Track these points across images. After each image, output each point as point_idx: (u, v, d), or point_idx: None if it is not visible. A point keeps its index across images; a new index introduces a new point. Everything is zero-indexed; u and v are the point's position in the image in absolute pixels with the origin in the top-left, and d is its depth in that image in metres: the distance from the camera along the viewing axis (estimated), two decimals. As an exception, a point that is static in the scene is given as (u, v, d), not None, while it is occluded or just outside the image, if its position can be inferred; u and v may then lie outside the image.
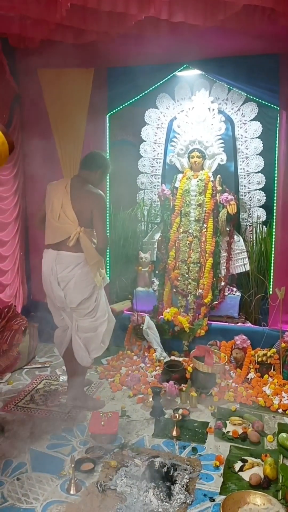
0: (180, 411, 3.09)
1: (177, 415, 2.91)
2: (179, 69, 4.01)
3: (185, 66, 3.98)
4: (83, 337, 3.06)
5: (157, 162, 4.53)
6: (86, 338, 3.07)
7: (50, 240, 2.97)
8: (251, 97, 4.04)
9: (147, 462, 2.43)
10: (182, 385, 3.41)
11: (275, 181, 3.97)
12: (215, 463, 2.59)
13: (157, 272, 4.39)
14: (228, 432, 2.90)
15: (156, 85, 4.10)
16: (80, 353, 3.07)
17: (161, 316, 4.13)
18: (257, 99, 4.03)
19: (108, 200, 4.41)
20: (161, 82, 4.07)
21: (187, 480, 2.43)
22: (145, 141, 4.50)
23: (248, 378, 3.53)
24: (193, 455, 2.69)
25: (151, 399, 3.20)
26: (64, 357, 3.27)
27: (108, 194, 4.41)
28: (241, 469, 2.54)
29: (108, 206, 4.42)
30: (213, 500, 2.31)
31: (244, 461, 2.60)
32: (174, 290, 4.19)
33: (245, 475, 2.49)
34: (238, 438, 2.84)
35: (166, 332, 4.06)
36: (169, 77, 4.06)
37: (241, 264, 4.21)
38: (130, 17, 3.17)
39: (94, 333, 3.07)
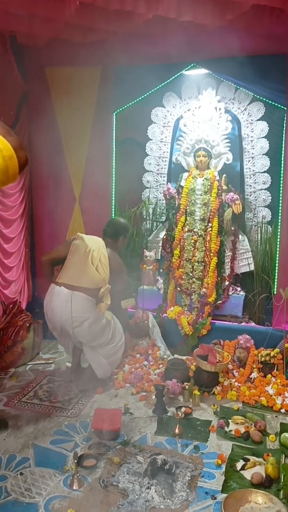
0: (183, 409, 3.10)
1: (179, 413, 2.91)
2: (186, 68, 4.02)
3: (192, 65, 3.98)
4: (104, 361, 3.41)
5: (163, 161, 4.54)
6: (110, 361, 3.45)
7: (73, 281, 3.24)
8: (258, 96, 4.04)
9: (149, 459, 2.44)
10: (185, 383, 3.42)
11: (281, 181, 3.97)
12: (217, 462, 2.60)
13: (161, 270, 4.40)
14: (230, 431, 2.91)
15: (163, 84, 4.11)
16: (102, 368, 3.43)
17: (165, 315, 4.14)
18: (264, 99, 4.03)
19: (113, 198, 4.43)
20: (168, 81, 4.08)
21: (189, 478, 2.44)
22: (151, 139, 4.51)
23: (251, 378, 3.54)
24: (195, 453, 2.70)
25: (154, 397, 3.22)
26: (72, 352, 3.59)
27: (114, 192, 4.43)
28: (243, 468, 2.55)
29: (114, 204, 4.45)
30: (215, 498, 2.32)
31: (246, 460, 2.61)
32: (179, 288, 4.20)
33: (247, 474, 2.50)
34: (240, 437, 2.84)
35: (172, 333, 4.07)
36: (176, 76, 4.06)
37: (246, 263, 4.21)
38: (138, 16, 3.18)
39: (115, 357, 3.47)
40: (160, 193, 4.50)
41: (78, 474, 2.40)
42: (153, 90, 4.13)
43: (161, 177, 4.56)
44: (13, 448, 2.69)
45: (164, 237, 4.35)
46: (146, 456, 2.56)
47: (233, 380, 3.52)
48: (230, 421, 3.01)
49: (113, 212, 4.42)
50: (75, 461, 2.40)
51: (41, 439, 2.80)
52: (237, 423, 2.96)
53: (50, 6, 3.04)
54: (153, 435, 2.87)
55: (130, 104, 4.23)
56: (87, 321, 3.19)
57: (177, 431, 2.87)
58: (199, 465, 2.58)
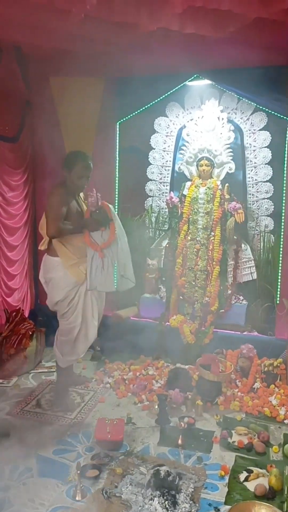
0: (186, 419, 3.09)
1: (182, 423, 2.91)
2: (190, 79, 4.05)
3: (195, 76, 4.02)
4: (59, 339, 3.23)
5: (165, 170, 4.56)
6: (61, 340, 3.22)
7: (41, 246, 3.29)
8: (261, 107, 4.07)
9: (152, 470, 2.44)
10: (188, 393, 3.41)
11: (284, 191, 3.98)
12: (220, 473, 2.59)
13: (163, 279, 4.40)
14: (233, 442, 2.90)
15: (166, 95, 4.14)
16: (56, 353, 3.28)
17: (167, 323, 4.14)
18: (266, 109, 4.06)
19: (116, 207, 4.44)
20: (171, 91, 4.11)
21: (192, 489, 2.43)
22: (154, 148, 4.53)
23: (254, 388, 3.53)
24: (198, 464, 2.69)
25: (156, 407, 3.21)
26: None
27: (117, 201, 4.45)
28: (246, 479, 2.54)
29: (117, 212, 4.46)
30: (218, 510, 2.31)
31: (250, 471, 2.60)
32: (181, 297, 4.20)
33: (250, 486, 2.49)
34: (243, 448, 2.84)
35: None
36: (179, 86, 4.09)
37: (248, 272, 4.22)
38: (141, 28, 3.21)
39: (66, 338, 3.18)
40: (163, 201, 4.52)
41: (81, 485, 2.40)
42: (156, 101, 4.16)
43: (164, 186, 4.58)
44: (16, 458, 2.68)
45: (167, 245, 4.36)
46: (149, 467, 2.55)
47: (236, 390, 3.51)
48: (233, 432, 3.00)
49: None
50: (78, 471, 2.39)
51: (43, 449, 2.79)
52: (240, 434, 2.95)
53: (54, 17, 3.08)
54: (156, 445, 2.87)
55: (134, 114, 4.26)
56: (51, 281, 3.14)
57: (180, 441, 2.86)
58: (202, 477, 2.57)
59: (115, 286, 3.18)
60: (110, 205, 3.16)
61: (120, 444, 2.80)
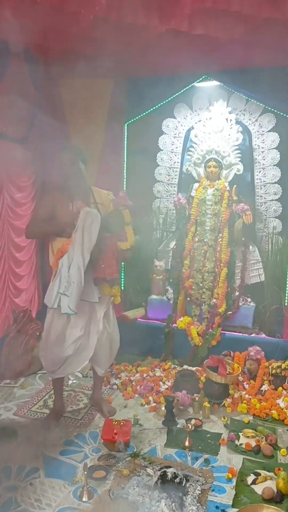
0: (193, 421, 3.07)
1: (189, 425, 2.89)
2: (198, 80, 4.04)
3: (203, 77, 4.01)
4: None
5: (173, 171, 4.56)
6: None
7: None
8: (269, 108, 4.05)
9: (159, 472, 2.43)
10: (195, 394, 3.40)
11: (292, 192, 3.97)
12: (228, 476, 2.57)
13: (171, 280, 4.39)
14: (241, 444, 2.88)
15: (174, 96, 4.14)
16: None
17: (175, 325, 4.13)
18: (275, 110, 4.04)
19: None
20: (179, 92, 4.11)
21: (199, 492, 2.41)
22: (162, 150, 4.54)
23: (262, 390, 3.50)
24: (206, 466, 2.68)
25: (163, 408, 3.20)
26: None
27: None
28: (253, 482, 2.52)
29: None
30: (225, 513, 2.30)
31: (257, 474, 2.58)
32: (188, 299, 4.19)
33: (258, 489, 2.47)
34: (251, 451, 2.81)
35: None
36: (187, 88, 4.09)
37: (256, 274, 4.20)
38: (151, 29, 3.21)
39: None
40: (171, 203, 4.52)
41: (87, 486, 2.40)
42: (164, 102, 4.16)
43: (171, 187, 4.58)
44: (23, 458, 2.68)
45: (174, 247, 4.36)
46: (156, 469, 2.54)
47: (244, 393, 3.48)
48: (240, 434, 2.98)
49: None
50: (85, 472, 2.39)
51: (51, 449, 2.79)
52: (248, 437, 2.93)
53: (63, 19, 3.10)
54: (163, 447, 2.86)
55: (142, 115, 4.27)
56: None
57: (187, 443, 2.85)
58: (210, 479, 2.55)
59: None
60: (127, 210, 3.02)
61: (127, 445, 2.79)
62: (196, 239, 4.22)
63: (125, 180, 4.42)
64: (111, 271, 2.87)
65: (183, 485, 2.40)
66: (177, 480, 2.39)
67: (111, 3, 2.89)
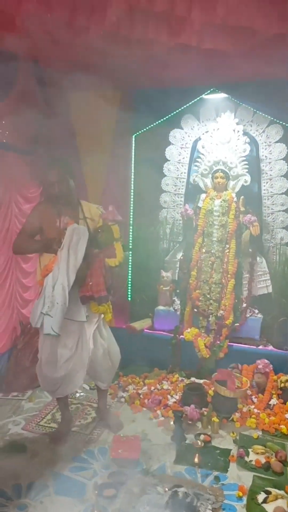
0: (202, 437, 3.06)
1: (199, 441, 2.88)
2: (206, 93, 4.04)
3: (211, 89, 4.01)
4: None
5: (180, 181, 4.56)
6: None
7: None
8: (276, 119, 4.05)
9: (170, 491, 2.42)
10: (203, 409, 3.39)
11: (300, 204, 3.96)
12: (238, 494, 2.56)
13: (178, 291, 4.38)
14: (250, 461, 2.86)
15: (182, 108, 4.14)
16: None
17: (182, 336, 4.12)
18: (282, 122, 4.04)
19: (131, 218, 4.45)
20: (187, 105, 4.11)
21: (210, 511, 2.40)
22: (169, 160, 4.53)
23: (270, 404, 3.48)
24: (216, 484, 2.66)
25: (172, 423, 3.19)
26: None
27: (131, 213, 4.45)
28: (264, 501, 2.51)
29: (132, 224, 4.47)
30: (237, 533, 2.29)
31: (268, 492, 2.56)
32: (195, 310, 4.18)
33: (269, 508, 2.45)
34: (261, 468, 2.80)
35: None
36: (195, 100, 4.09)
37: (264, 285, 4.19)
38: (160, 44, 3.21)
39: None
40: (177, 213, 4.51)
41: (98, 505, 2.39)
42: (172, 114, 4.16)
43: (178, 197, 4.57)
44: (33, 475, 2.68)
45: (181, 258, 4.35)
46: (166, 488, 2.53)
47: (252, 407, 3.47)
48: (250, 450, 2.96)
49: (130, 233, 4.43)
50: (96, 492, 2.38)
51: (60, 465, 2.78)
52: (258, 453, 2.92)
53: (74, 33, 3.10)
54: (172, 463, 2.84)
55: (149, 127, 4.27)
56: None
57: (196, 460, 2.83)
58: (220, 497, 2.54)
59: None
60: (116, 225, 2.90)
61: (136, 462, 2.78)
62: (203, 250, 4.21)
63: (132, 191, 4.42)
64: (99, 288, 2.74)
65: (194, 504, 2.39)
66: (188, 499, 2.38)
67: (121, 19, 2.90)
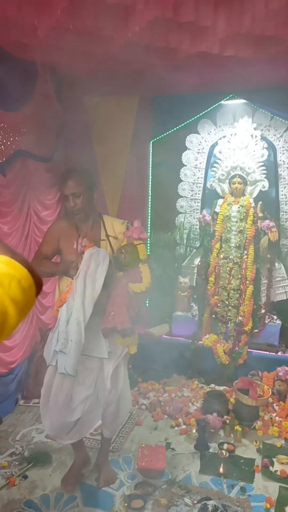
0: (225, 446, 3.07)
1: (223, 451, 2.89)
2: (225, 99, 4.02)
3: (230, 96, 4.00)
4: None
5: (197, 187, 4.55)
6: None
7: None
8: (295, 125, 4.04)
9: (199, 504, 2.43)
10: (225, 417, 3.39)
11: None
12: (266, 505, 2.57)
13: (195, 297, 4.38)
14: (276, 471, 2.86)
15: (200, 114, 4.13)
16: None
17: (200, 342, 4.12)
18: (300, 127, 4.03)
19: (149, 224, 4.45)
20: (205, 111, 4.09)
21: (239, 523, 2.42)
22: (186, 165, 4.52)
23: (292, 412, 3.49)
24: (242, 495, 2.67)
25: (194, 431, 3.20)
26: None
27: (149, 219, 4.45)
28: (292, 513, 2.51)
29: (150, 230, 4.47)
30: None
31: (295, 504, 2.57)
32: (214, 316, 4.18)
33: (297, 520, 2.46)
34: (286, 478, 2.80)
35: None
36: (214, 106, 4.08)
37: (282, 291, 4.17)
38: (182, 52, 3.20)
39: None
40: (194, 218, 4.51)
41: (127, 517, 2.40)
42: (190, 120, 4.15)
43: (195, 202, 4.56)
44: (60, 485, 2.70)
45: (199, 263, 4.34)
46: (193, 499, 2.54)
47: (274, 415, 3.47)
48: (274, 460, 2.96)
49: (149, 238, 4.43)
50: (126, 504, 2.40)
51: (86, 475, 2.80)
52: (282, 463, 2.92)
53: (96, 43, 3.09)
54: (197, 473, 2.85)
55: (167, 133, 4.25)
56: None
57: (221, 470, 2.84)
58: (248, 509, 2.55)
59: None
60: (143, 244, 2.47)
61: (162, 472, 2.79)
62: (221, 256, 4.20)
63: (150, 197, 4.41)
64: (122, 319, 2.32)
65: (223, 516, 2.40)
66: (217, 512, 2.39)
67: (144, 28, 2.88)
